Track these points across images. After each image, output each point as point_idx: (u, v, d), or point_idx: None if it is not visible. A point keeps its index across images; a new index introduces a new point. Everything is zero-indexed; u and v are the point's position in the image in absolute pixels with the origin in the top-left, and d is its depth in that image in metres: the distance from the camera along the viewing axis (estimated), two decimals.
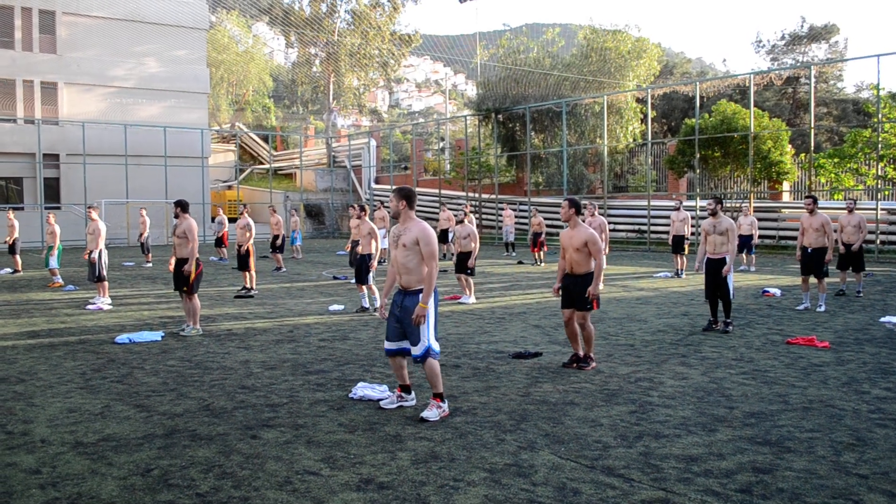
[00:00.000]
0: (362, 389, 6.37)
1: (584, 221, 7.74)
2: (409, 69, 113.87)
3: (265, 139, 50.30)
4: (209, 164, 38.60)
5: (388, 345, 6.01)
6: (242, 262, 14.95)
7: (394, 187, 6.19)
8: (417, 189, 39.37)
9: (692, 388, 6.70)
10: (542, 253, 20.94)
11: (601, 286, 7.63)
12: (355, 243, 12.90)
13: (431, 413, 5.78)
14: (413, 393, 6.27)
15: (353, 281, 12.79)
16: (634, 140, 33.29)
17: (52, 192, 33.47)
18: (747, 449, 4.99)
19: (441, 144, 60.58)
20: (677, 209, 17.32)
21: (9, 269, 19.93)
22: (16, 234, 19.51)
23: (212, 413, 5.91)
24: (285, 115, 72.96)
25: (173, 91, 36.73)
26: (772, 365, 7.67)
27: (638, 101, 33.49)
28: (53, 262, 16.35)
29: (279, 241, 20.36)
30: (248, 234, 15.06)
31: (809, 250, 11.65)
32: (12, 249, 19.71)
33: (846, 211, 13.59)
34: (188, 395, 6.48)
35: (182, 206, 9.93)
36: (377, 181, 45.24)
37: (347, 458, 4.80)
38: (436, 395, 5.86)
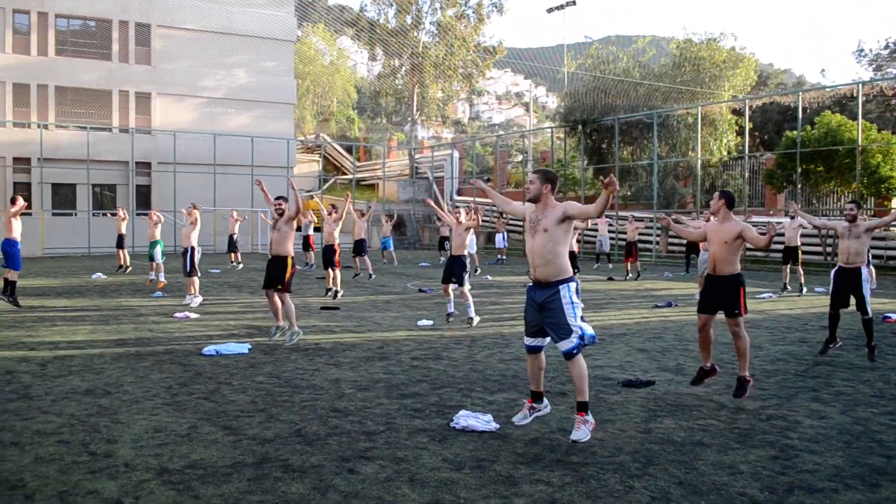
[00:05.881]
0: (465, 419, 5.80)
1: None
2: (490, 81, 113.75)
3: (349, 150, 50.68)
4: (294, 173, 38.96)
5: (527, 340, 5.62)
6: (328, 261, 15.09)
7: (536, 168, 5.65)
8: None
9: (836, 431, 5.89)
10: (638, 264, 20.12)
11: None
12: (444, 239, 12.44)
13: (581, 433, 5.22)
14: (545, 400, 5.76)
15: (441, 283, 12.00)
16: (729, 153, 31.91)
17: (143, 198, 34.31)
18: None
19: (522, 157, 59.94)
20: (792, 217, 16.29)
21: (102, 274, 20.27)
22: (123, 230, 20.22)
23: (304, 440, 5.44)
24: (368, 127, 73.61)
25: (261, 102, 37.26)
26: None
27: (733, 112, 32.12)
28: (158, 257, 16.55)
29: (363, 246, 20.21)
30: (335, 233, 15.26)
31: None
32: (120, 243, 20.31)
33: None
34: (278, 418, 6.05)
35: (286, 200, 9.84)
36: (459, 193, 44.89)
37: (456, 503, 4.25)
38: (580, 406, 5.29)
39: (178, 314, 12.55)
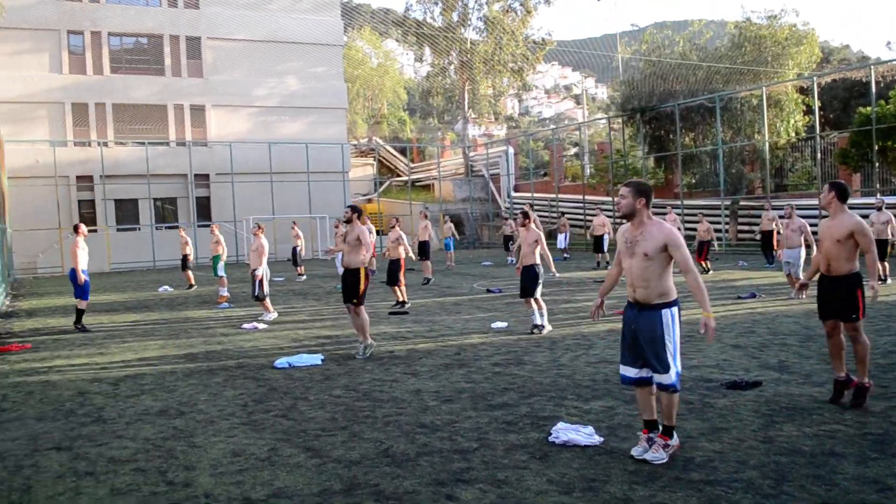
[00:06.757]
0: (565, 433, 5.31)
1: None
2: (538, 76, 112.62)
3: (402, 151, 50.45)
4: (349, 178, 38.85)
5: (624, 370, 4.99)
6: (392, 277, 14.46)
7: (627, 181, 5.09)
8: (560, 196, 38.11)
9: None
10: (708, 262, 19.31)
11: (878, 287, 6.23)
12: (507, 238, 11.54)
13: (658, 455, 4.77)
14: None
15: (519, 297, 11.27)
16: (797, 134, 30.58)
17: (203, 210, 34.58)
18: None
19: (574, 150, 58.94)
20: (879, 209, 15.29)
21: (168, 287, 20.34)
22: (188, 250, 20.13)
23: (393, 461, 5.03)
24: (420, 127, 73.42)
25: (313, 108, 37.19)
26: None
27: (799, 91, 30.76)
28: (221, 270, 16.68)
29: (427, 248, 19.83)
30: (400, 247, 14.62)
31: None
32: (185, 265, 20.26)
33: None
34: (362, 436, 5.65)
35: (356, 211, 9.33)
36: (516, 189, 44.28)
37: None
38: (665, 429, 4.87)
39: (246, 325, 12.35)
